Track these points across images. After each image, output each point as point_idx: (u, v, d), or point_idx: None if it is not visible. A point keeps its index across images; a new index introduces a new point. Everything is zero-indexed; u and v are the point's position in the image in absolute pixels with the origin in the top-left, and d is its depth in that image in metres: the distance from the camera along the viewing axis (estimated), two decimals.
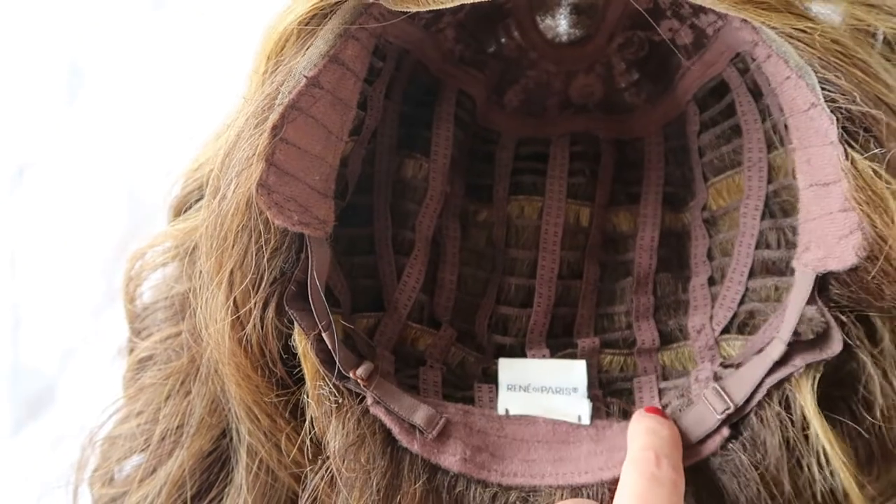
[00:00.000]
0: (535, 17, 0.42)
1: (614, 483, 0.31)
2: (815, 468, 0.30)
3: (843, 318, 0.31)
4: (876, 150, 0.27)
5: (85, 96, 0.51)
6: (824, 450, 0.29)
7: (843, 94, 0.28)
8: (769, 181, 0.38)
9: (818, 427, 0.30)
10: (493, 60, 0.44)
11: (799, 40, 0.28)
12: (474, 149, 0.44)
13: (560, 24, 0.43)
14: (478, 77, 0.43)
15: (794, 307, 0.31)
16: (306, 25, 0.31)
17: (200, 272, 0.33)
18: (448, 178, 0.41)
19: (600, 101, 0.45)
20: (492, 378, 0.38)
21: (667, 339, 0.39)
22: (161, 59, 0.51)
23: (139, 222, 0.49)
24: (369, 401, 0.32)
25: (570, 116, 0.45)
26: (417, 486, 0.31)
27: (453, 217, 0.42)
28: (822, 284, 0.31)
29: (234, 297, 0.32)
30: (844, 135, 0.27)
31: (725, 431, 0.31)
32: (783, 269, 0.37)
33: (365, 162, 0.39)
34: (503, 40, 0.44)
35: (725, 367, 0.35)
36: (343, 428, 0.31)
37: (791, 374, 0.31)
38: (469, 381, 0.37)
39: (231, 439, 0.35)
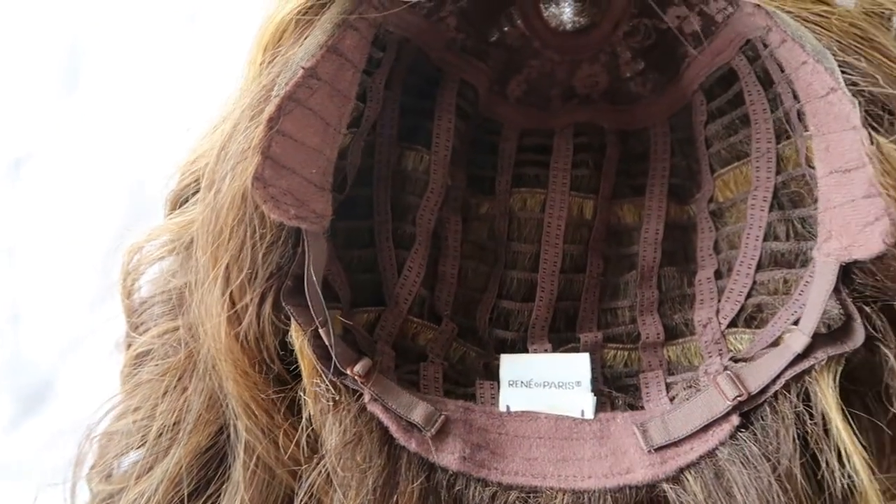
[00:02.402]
0: (538, 4, 0.42)
1: (618, 492, 0.30)
2: (834, 465, 0.29)
3: (867, 308, 0.30)
4: None
5: (83, 88, 0.50)
6: (845, 447, 0.29)
7: (864, 77, 0.27)
8: (778, 172, 0.37)
9: (839, 423, 0.29)
10: (495, 49, 0.43)
11: (816, 24, 0.27)
12: (476, 140, 0.43)
13: (564, 12, 0.42)
14: (480, 66, 0.42)
15: (818, 299, 0.30)
16: (304, 15, 0.30)
17: (196, 267, 0.33)
18: (449, 170, 0.40)
19: (605, 92, 0.44)
20: (493, 373, 0.37)
21: (672, 334, 0.39)
22: (160, 49, 0.50)
23: (138, 214, 0.48)
24: (367, 398, 0.31)
25: (574, 107, 0.44)
26: (415, 485, 0.30)
27: (454, 210, 0.42)
28: (845, 274, 0.30)
29: (231, 293, 0.32)
30: (867, 118, 0.27)
31: (735, 420, 0.31)
32: (792, 262, 0.36)
33: (365, 153, 0.39)
34: (506, 29, 0.43)
35: (736, 360, 0.34)
36: (339, 425, 0.31)
37: (812, 367, 0.30)
38: (471, 377, 0.37)
39: (228, 436, 0.34)
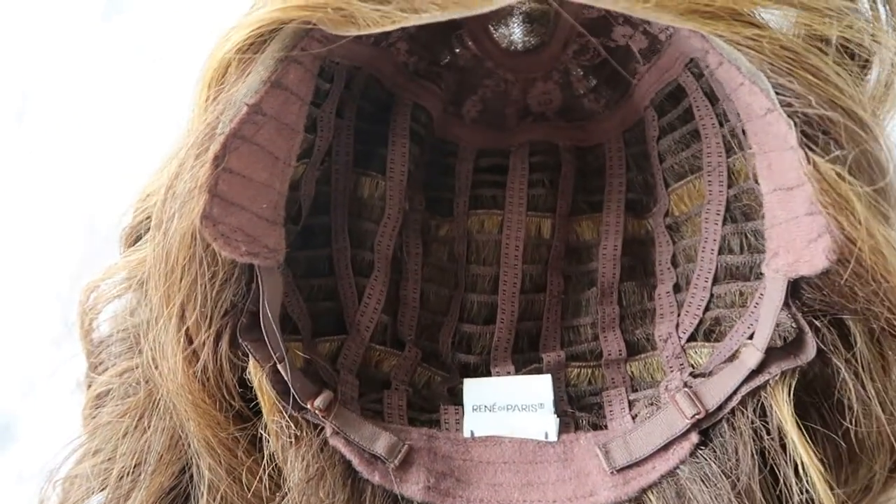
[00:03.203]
0: (487, 26, 0.42)
1: None
2: (791, 479, 0.29)
3: (817, 322, 0.30)
4: (837, 153, 0.27)
5: (36, 121, 0.50)
6: (801, 460, 0.29)
7: (797, 98, 0.27)
8: (729, 185, 0.37)
9: (795, 437, 0.29)
10: (448, 72, 0.43)
11: (748, 47, 0.28)
12: (433, 162, 0.43)
13: (514, 33, 0.42)
14: (433, 89, 0.42)
15: (769, 314, 0.30)
16: (244, 53, 0.30)
17: (150, 306, 0.32)
18: (406, 194, 0.40)
19: (559, 109, 0.44)
20: (458, 398, 0.37)
21: (634, 350, 0.39)
22: (115, 84, 0.50)
23: (97, 250, 0.48)
24: (328, 432, 0.31)
25: (530, 125, 0.44)
26: None
27: (414, 233, 0.42)
28: (794, 289, 0.30)
29: (187, 332, 0.31)
30: (804, 139, 0.27)
31: (694, 437, 0.31)
32: (747, 274, 0.36)
33: (321, 181, 0.39)
34: (458, 50, 0.43)
35: (695, 376, 0.34)
36: (302, 461, 0.31)
37: (766, 383, 0.30)
38: (436, 402, 0.37)
39: (192, 476, 0.34)
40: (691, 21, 0.27)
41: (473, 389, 0.36)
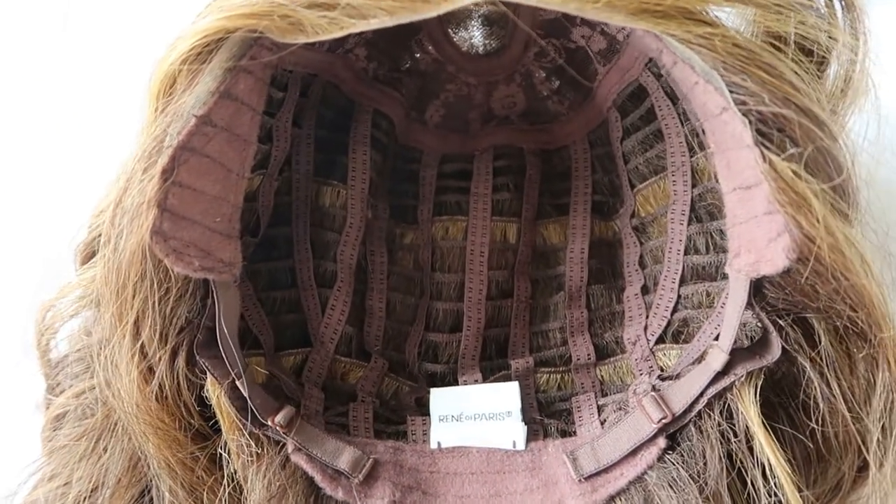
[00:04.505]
0: (447, 30, 0.41)
1: None
2: (759, 481, 0.29)
3: (781, 322, 0.30)
4: (793, 150, 0.26)
5: None
6: (768, 461, 0.29)
7: (751, 96, 0.27)
8: (693, 185, 0.37)
9: (762, 438, 0.29)
10: (408, 77, 0.42)
11: (700, 46, 0.27)
12: (397, 169, 0.43)
13: (474, 36, 0.42)
14: (393, 96, 0.41)
15: (733, 315, 0.30)
16: (191, 64, 0.29)
17: (103, 325, 0.31)
18: (368, 203, 0.40)
19: (523, 112, 0.44)
20: (426, 408, 0.36)
21: (603, 353, 0.39)
22: (71, 103, 0.49)
23: (57, 269, 0.46)
24: (290, 448, 0.31)
25: (493, 129, 0.43)
26: None
27: (379, 241, 0.41)
28: (757, 289, 0.30)
29: (142, 350, 0.31)
30: (759, 137, 0.27)
31: (662, 442, 0.31)
32: (713, 274, 0.36)
33: (282, 191, 0.38)
34: (418, 55, 0.42)
35: (664, 379, 0.34)
36: (263, 479, 0.30)
37: (732, 384, 0.30)
38: (402, 414, 0.36)
39: (152, 499, 0.33)
40: (643, 21, 0.26)
41: (440, 399, 0.35)
